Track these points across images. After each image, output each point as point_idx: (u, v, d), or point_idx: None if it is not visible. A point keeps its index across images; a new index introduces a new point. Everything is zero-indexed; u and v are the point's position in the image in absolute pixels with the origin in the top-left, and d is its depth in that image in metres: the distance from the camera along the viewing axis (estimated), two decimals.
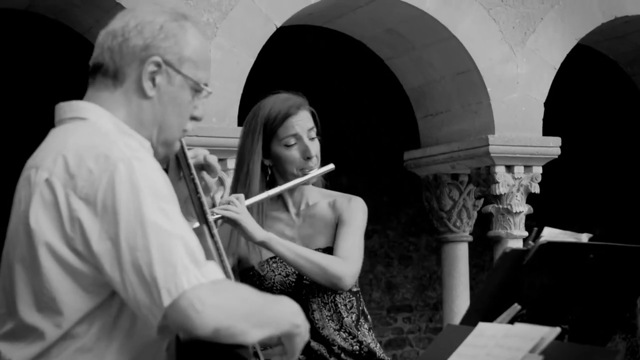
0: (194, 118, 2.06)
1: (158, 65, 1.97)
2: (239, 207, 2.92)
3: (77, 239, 1.84)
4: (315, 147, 3.11)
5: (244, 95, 5.86)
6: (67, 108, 2.01)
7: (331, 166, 3.10)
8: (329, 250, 3.11)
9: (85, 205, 1.83)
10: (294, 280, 3.09)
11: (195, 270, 1.80)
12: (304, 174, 3.08)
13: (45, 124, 2.11)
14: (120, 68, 1.98)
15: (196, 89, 2.03)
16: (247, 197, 3.00)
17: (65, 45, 7.85)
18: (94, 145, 1.88)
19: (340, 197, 3.20)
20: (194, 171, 2.30)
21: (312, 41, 8.57)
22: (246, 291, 1.90)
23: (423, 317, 9.57)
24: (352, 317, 3.13)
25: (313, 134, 3.11)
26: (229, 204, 2.91)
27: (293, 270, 3.06)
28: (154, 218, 1.81)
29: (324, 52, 8.86)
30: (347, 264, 3.03)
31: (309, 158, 3.08)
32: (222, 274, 1.88)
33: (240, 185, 3.08)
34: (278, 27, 5.99)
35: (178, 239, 1.82)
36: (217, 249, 2.16)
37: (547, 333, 2.02)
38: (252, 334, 1.84)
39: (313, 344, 3.07)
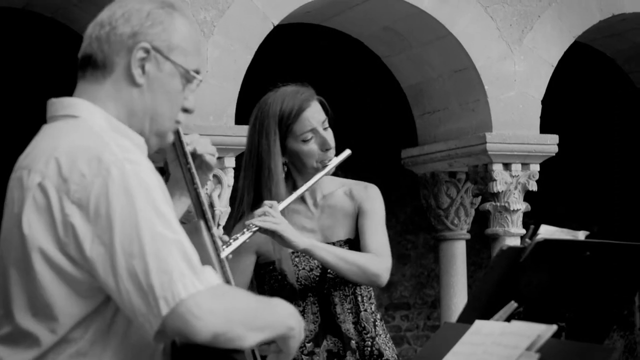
0: (185, 110, 2.02)
1: (147, 51, 1.94)
2: (277, 217, 2.89)
3: (71, 245, 1.81)
4: (331, 137, 3.09)
5: (241, 93, 5.85)
6: (58, 105, 1.98)
7: (348, 152, 3.10)
8: (350, 241, 3.12)
9: (78, 209, 1.80)
10: (318, 274, 3.08)
11: (191, 276, 1.77)
12: (324, 166, 3.06)
13: (41, 122, 2.09)
14: (108, 57, 1.95)
15: (187, 78, 1.98)
16: (273, 200, 2.95)
17: (63, 44, 7.83)
18: (86, 147, 1.84)
19: (356, 185, 3.20)
20: (190, 160, 2.26)
21: (309, 39, 8.56)
22: (243, 295, 1.87)
23: (421, 315, 9.57)
24: (371, 308, 3.14)
25: (326, 124, 3.10)
26: (264, 214, 2.88)
27: (317, 264, 3.05)
28: (149, 224, 1.77)
29: (321, 51, 8.85)
30: (382, 260, 3.04)
31: (327, 149, 3.07)
32: (219, 279, 1.85)
33: (265, 188, 3.02)
34: (275, 25, 5.99)
35: (174, 243, 1.79)
36: (214, 242, 2.13)
37: (544, 331, 2.02)
38: (249, 338, 1.82)
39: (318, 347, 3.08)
